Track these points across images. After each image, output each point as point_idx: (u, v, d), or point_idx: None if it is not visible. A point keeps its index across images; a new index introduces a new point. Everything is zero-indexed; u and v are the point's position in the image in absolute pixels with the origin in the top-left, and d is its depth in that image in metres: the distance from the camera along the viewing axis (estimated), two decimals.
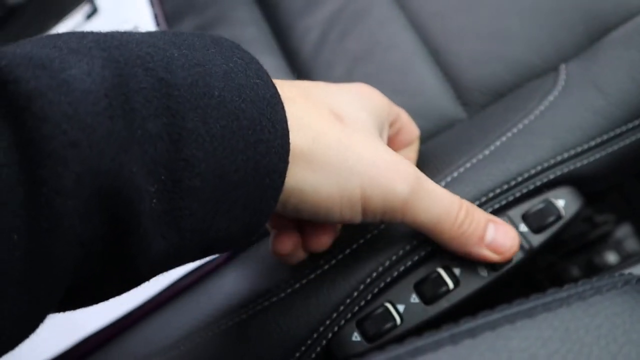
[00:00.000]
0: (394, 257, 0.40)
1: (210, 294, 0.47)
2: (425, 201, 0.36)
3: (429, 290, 0.39)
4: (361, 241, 0.41)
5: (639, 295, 0.28)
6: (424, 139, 0.49)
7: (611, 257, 0.61)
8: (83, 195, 0.26)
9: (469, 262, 0.39)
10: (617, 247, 0.61)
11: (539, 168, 0.41)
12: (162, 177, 0.28)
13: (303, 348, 0.40)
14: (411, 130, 0.44)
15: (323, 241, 0.40)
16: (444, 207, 0.37)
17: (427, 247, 0.40)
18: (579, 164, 0.42)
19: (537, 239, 0.40)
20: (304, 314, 0.40)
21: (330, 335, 0.40)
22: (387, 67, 0.53)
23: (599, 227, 0.60)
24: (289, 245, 0.40)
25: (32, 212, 0.25)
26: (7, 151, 0.24)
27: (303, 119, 0.34)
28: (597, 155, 0.42)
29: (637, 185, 0.63)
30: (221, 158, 0.30)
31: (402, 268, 0.40)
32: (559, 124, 0.42)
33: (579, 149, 0.42)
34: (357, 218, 0.36)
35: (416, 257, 0.40)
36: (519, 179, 0.41)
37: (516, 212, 0.41)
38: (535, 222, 0.40)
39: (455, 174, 0.42)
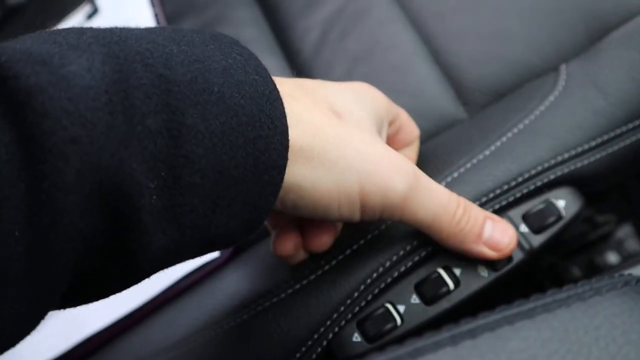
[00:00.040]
0: (394, 258, 0.40)
1: (211, 294, 0.47)
2: (423, 198, 0.36)
3: (430, 291, 0.39)
4: (361, 242, 0.41)
5: (638, 296, 0.28)
6: (424, 139, 0.49)
7: (612, 258, 0.61)
8: (84, 190, 0.26)
9: (470, 263, 0.39)
10: (618, 247, 0.61)
11: (540, 168, 0.41)
12: (162, 173, 0.28)
13: (304, 348, 0.40)
14: (411, 129, 0.44)
15: (323, 241, 0.40)
16: (442, 204, 0.37)
17: (427, 247, 0.40)
18: (579, 164, 0.42)
19: (537, 240, 0.40)
20: (304, 315, 0.40)
21: (330, 335, 0.40)
22: (387, 67, 0.53)
23: (599, 228, 0.60)
24: (290, 246, 0.40)
25: (33, 208, 0.25)
26: (9, 147, 0.25)
27: (302, 115, 0.34)
28: (598, 156, 0.42)
29: (637, 185, 0.63)
30: (221, 154, 0.30)
31: (402, 268, 0.40)
32: (559, 124, 0.42)
33: (580, 149, 0.42)
34: (356, 215, 0.36)
35: (416, 258, 0.40)
36: (520, 179, 0.41)
37: (517, 212, 0.41)
38: (535, 222, 0.40)
39: (455, 174, 0.42)
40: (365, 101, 0.39)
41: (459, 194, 0.39)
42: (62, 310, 0.31)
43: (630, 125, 0.43)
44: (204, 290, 0.48)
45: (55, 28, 0.67)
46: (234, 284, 0.46)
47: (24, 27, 0.72)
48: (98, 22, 0.66)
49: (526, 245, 0.40)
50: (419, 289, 0.39)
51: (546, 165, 0.41)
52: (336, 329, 0.40)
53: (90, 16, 0.67)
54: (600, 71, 0.44)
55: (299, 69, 0.57)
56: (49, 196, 0.25)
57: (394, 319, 0.39)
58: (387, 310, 0.39)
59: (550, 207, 0.40)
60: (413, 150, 0.45)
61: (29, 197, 0.25)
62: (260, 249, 0.48)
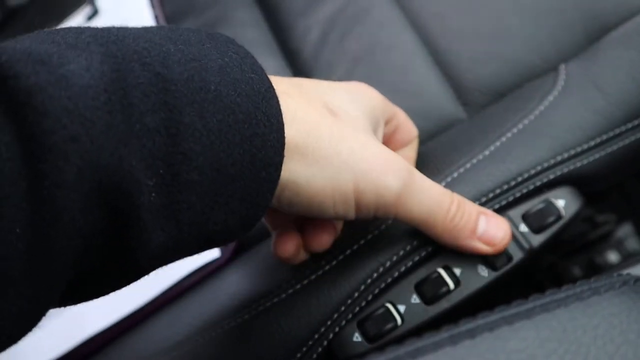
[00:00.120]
0: (394, 258, 0.40)
1: (213, 294, 0.47)
2: (417, 195, 0.36)
3: (430, 291, 0.39)
4: (362, 242, 0.41)
5: (636, 296, 0.28)
6: (424, 139, 0.49)
7: (612, 257, 0.61)
8: (83, 188, 0.26)
9: (470, 262, 0.39)
10: (619, 246, 0.61)
11: (539, 168, 0.41)
12: (161, 171, 0.28)
13: (304, 348, 0.40)
14: (409, 129, 0.44)
15: (323, 241, 0.40)
16: (436, 200, 0.37)
17: (427, 247, 0.40)
18: (578, 164, 0.42)
19: (537, 239, 0.40)
20: (305, 315, 0.40)
21: (331, 335, 0.40)
22: (387, 67, 0.53)
23: (599, 227, 0.60)
24: (290, 247, 0.40)
25: (34, 206, 0.25)
26: (9, 146, 0.25)
27: (297, 112, 0.35)
28: (597, 155, 0.42)
29: (637, 184, 0.63)
30: (218, 152, 0.30)
31: (402, 268, 0.40)
32: (558, 124, 0.43)
33: (579, 149, 0.42)
34: (351, 213, 0.36)
35: (417, 258, 0.40)
36: (519, 179, 0.41)
37: (516, 212, 0.41)
38: (535, 222, 0.40)
39: (455, 175, 0.42)
40: (361, 100, 0.39)
41: (459, 193, 0.39)
42: (64, 309, 0.31)
43: (630, 125, 0.43)
44: (205, 291, 0.48)
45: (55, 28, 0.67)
46: (234, 284, 0.46)
47: (25, 28, 0.72)
48: (98, 23, 0.66)
49: (526, 245, 0.40)
50: (419, 288, 0.39)
51: (546, 165, 0.41)
52: (337, 329, 0.40)
53: (90, 17, 0.67)
54: (600, 71, 0.44)
55: (299, 69, 0.57)
56: (50, 194, 0.25)
57: (395, 319, 0.39)
58: (388, 310, 0.39)
59: (550, 206, 0.40)
60: (412, 150, 0.45)
61: (29, 196, 0.25)
62: (261, 249, 0.48)
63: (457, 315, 0.33)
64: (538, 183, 0.41)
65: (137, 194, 0.27)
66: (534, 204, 0.41)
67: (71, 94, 0.26)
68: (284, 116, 0.33)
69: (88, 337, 0.51)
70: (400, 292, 0.40)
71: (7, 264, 0.25)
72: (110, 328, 0.50)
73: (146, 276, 0.32)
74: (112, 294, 0.32)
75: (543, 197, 0.41)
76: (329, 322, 0.40)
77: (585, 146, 0.42)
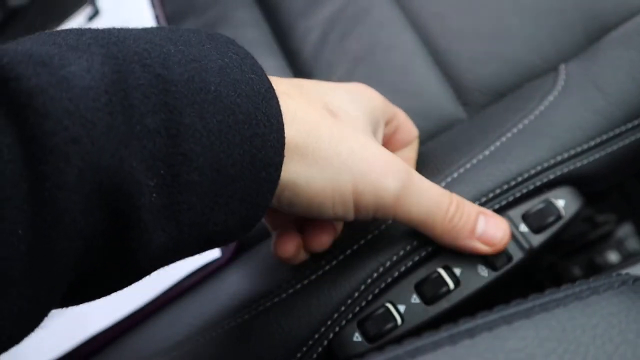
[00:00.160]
0: (394, 258, 0.40)
1: (213, 294, 0.47)
2: (416, 197, 0.36)
3: (430, 291, 0.39)
4: (362, 242, 0.41)
5: (635, 295, 0.28)
6: (425, 139, 0.49)
7: (612, 257, 0.61)
8: (84, 190, 0.26)
9: (470, 262, 0.39)
10: (619, 246, 0.61)
11: (539, 168, 0.41)
12: (161, 172, 0.28)
13: (304, 348, 0.40)
14: (409, 129, 0.44)
15: (323, 240, 0.40)
16: (435, 201, 0.37)
17: (427, 247, 0.40)
18: (578, 164, 0.42)
19: (537, 239, 0.40)
20: (305, 315, 0.41)
21: (331, 335, 0.40)
22: (387, 67, 0.53)
23: (600, 227, 0.60)
24: (291, 247, 0.40)
25: (35, 207, 0.25)
26: (11, 147, 0.25)
27: (297, 113, 0.35)
28: (597, 155, 0.42)
29: (637, 184, 0.63)
30: (218, 152, 0.30)
31: (402, 268, 0.40)
32: (558, 124, 0.43)
33: (579, 149, 0.42)
34: (350, 214, 0.36)
35: (417, 258, 0.40)
36: (519, 179, 0.41)
37: (516, 212, 0.41)
38: (535, 222, 0.40)
39: (455, 175, 0.42)
40: (361, 101, 0.39)
41: (459, 194, 0.40)
42: (65, 309, 0.32)
43: (630, 125, 0.43)
44: (206, 291, 0.48)
45: (56, 29, 0.68)
46: (235, 284, 0.46)
47: (25, 29, 0.72)
48: (99, 24, 0.66)
49: (526, 245, 0.40)
50: (419, 288, 0.39)
51: (546, 165, 0.41)
52: (337, 329, 0.40)
53: (91, 18, 0.67)
54: (600, 71, 0.44)
55: (299, 69, 0.57)
56: (51, 196, 0.25)
57: (395, 319, 0.39)
58: (388, 310, 0.39)
59: (550, 206, 0.41)
60: (412, 151, 0.45)
61: (31, 197, 0.25)
62: (261, 250, 0.48)
63: (457, 315, 0.33)
64: (538, 183, 0.41)
65: (137, 195, 0.27)
66: (534, 204, 0.41)
67: (72, 96, 0.26)
68: (283, 116, 0.33)
69: (89, 336, 0.51)
70: (400, 292, 0.40)
71: (9, 264, 0.25)
72: (111, 328, 0.50)
73: (147, 276, 0.32)
74: (113, 294, 0.32)
75: (543, 197, 0.41)
76: (329, 322, 0.40)
77: (585, 146, 0.42)
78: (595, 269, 0.60)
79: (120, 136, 0.27)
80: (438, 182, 0.42)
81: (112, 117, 0.27)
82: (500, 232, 0.38)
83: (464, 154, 0.43)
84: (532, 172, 0.41)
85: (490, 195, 0.41)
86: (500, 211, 0.41)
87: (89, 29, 0.30)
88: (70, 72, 0.26)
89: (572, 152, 0.42)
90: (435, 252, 0.40)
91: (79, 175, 0.26)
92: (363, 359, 0.28)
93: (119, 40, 0.29)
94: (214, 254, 0.50)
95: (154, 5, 0.65)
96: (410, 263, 0.40)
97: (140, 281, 0.32)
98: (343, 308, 0.40)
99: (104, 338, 0.50)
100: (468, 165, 0.42)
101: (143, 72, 0.28)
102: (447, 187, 0.41)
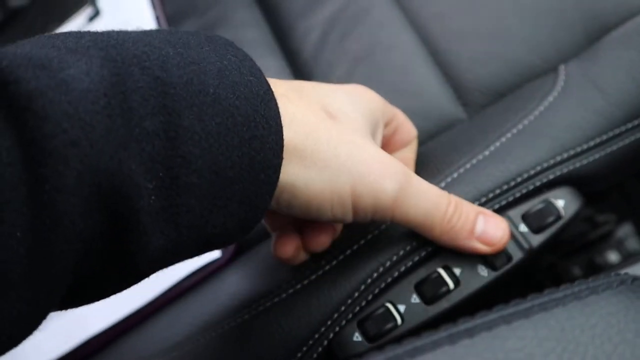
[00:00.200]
0: (394, 258, 0.40)
1: (213, 294, 0.47)
2: (414, 198, 0.36)
3: (430, 291, 0.39)
4: (362, 242, 0.41)
5: (634, 295, 0.28)
6: (424, 139, 0.49)
7: (612, 257, 0.61)
8: (83, 193, 0.26)
9: (469, 262, 0.39)
10: (619, 246, 0.61)
11: (539, 168, 0.41)
12: (160, 174, 0.28)
13: (304, 348, 0.40)
14: (408, 129, 0.44)
15: (322, 241, 0.40)
16: (433, 202, 0.37)
17: (427, 247, 0.40)
18: (578, 164, 0.42)
19: (537, 239, 0.40)
20: (305, 315, 0.41)
21: (331, 335, 0.40)
22: (387, 67, 0.53)
23: (600, 227, 0.60)
24: (290, 248, 0.40)
25: (34, 210, 0.25)
26: (10, 150, 0.25)
27: (296, 115, 0.35)
28: (597, 156, 0.42)
29: (637, 184, 0.63)
30: (217, 154, 0.30)
31: (402, 268, 0.40)
32: (558, 124, 0.43)
33: (579, 149, 0.42)
34: (349, 216, 0.36)
35: (416, 258, 0.40)
36: (519, 179, 0.41)
37: (516, 212, 0.41)
38: (535, 222, 0.40)
39: (455, 175, 0.42)
40: (360, 103, 0.39)
41: (459, 194, 0.40)
42: (64, 311, 0.32)
43: (630, 125, 0.43)
44: (206, 291, 0.48)
45: (56, 30, 0.68)
46: (235, 285, 0.46)
47: (26, 29, 0.72)
48: (99, 24, 0.66)
49: (525, 245, 0.40)
50: (419, 288, 0.39)
51: (545, 165, 0.41)
52: (337, 329, 0.40)
53: (91, 18, 0.67)
54: (600, 71, 0.44)
55: (299, 69, 0.57)
56: (50, 199, 0.25)
57: (395, 319, 0.39)
58: (388, 310, 0.39)
59: (550, 206, 0.41)
60: (411, 151, 0.45)
61: (30, 200, 0.25)
62: (261, 250, 0.48)
63: (457, 315, 0.33)
64: (538, 183, 0.41)
65: (136, 198, 0.27)
66: (534, 204, 0.41)
67: (71, 98, 0.26)
68: (282, 118, 0.33)
69: (89, 337, 0.51)
70: (400, 292, 0.40)
71: (8, 267, 0.25)
72: (111, 328, 0.50)
73: (146, 279, 0.32)
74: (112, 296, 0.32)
75: (543, 197, 0.41)
76: (329, 322, 0.40)
77: (585, 146, 0.42)
78: (595, 269, 0.60)
79: (119, 139, 0.27)
80: (438, 182, 0.42)
81: (111, 120, 0.27)
82: (500, 231, 0.38)
83: (463, 154, 0.43)
84: (532, 172, 0.41)
85: (490, 195, 0.41)
86: (500, 211, 0.41)
87: (89, 32, 0.30)
88: (70, 75, 0.26)
89: (572, 152, 0.42)
90: (435, 252, 0.40)
91: (78, 177, 0.26)
92: (362, 358, 0.28)
93: (118, 43, 0.29)
94: (214, 254, 0.50)
95: (154, 6, 0.65)
96: (410, 263, 0.40)
97: (141, 282, 0.32)
98: (343, 308, 0.40)
99: (104, 339, 0.50)
100: (468, 166, 0.42)
101: (142, 75, 0.28)
102: (447, 187, 0.41)
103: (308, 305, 0.41)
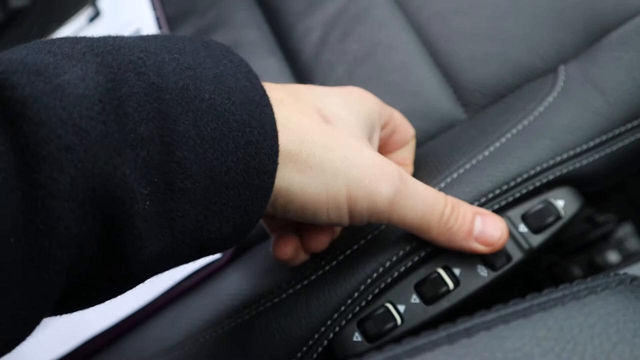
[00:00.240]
0: (394, 258, 0.40)
1: (213, 295, 0.47)
2: (410, 200, 0.36)
3: (429, 291, 0.39)
4: (362, 242, 0.41)
5: (632, 295, 0.28)
6: (424, 139, 0.50)
7: (613, 257, 0.61)
8: (78, 198, 0.26)
9: (469, 263, 0.39)
10: (619, 246, 0.61)
11: (539, 169, 0.41)
12: (155, 179, 0.28)
13: (305, 348, 0.40)
14: (406, 130, 0.44)
15: (321, 241, 0.40)
16: (429, 204, 0.37)
17: (427, 247, 0.40)
18: (578, 165, 0.42)
19: (536, 239, 0.40)
20: (305, 315, 0.41)
21: (331, 335, 0.40)
22: (387, 68, 0.53)
23: (600, 227, 0.60)
24: (289, 249, 0.40)
25: (29, 215, 0.25)
26: (4, 156, 0.25)
27: (291, 120, 0.35)
28: (597, 156, 0.42)
29: (637, 184, 0.63)
30: (212, 160, 0.30)
31: (402, 268, 0.40)
32: (558, 125, 0.43)
33: (578, 150, 0.42)
34: (345, 220, 0.36)
35: (416, 258, 0.40)
36: (519, 179, 0.41)
37: (516, 212, 0.41)
38: (534, 222, 0.40)
39: (455, 175, 0.42)
40: (355, 106, 0.39)
41: (459, 194, 0.40)
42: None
43: (629, 126, 0.43)
44: (206, 291, 0.48)
45: (57, 31, 0.68)
46: (235, 285, 0.46)
47: (26, 30, 0.72)
48: (100, 26, 0.66)
49: (525, 245, 0.40)
50: (419, 288, 0.39)
51: (545, 165, 0.41)
52: (337, 329, 0.40)
53: (92, 19, 0.67)
54: (600, 71, 0.44)
55: (300, 70, 0.57)
56: (44, 204, 0.25)
57: (394, 319, 0.39)
58: (388, 310, 0.39)
59: (549, 207, 0.41)
60: (409, 151, 0.45)
61: (24, 205, 0.25)
62: (261, 250, 0.48)
63: (456, 315, 0.33)
64: (537, 183, 0.41)
65: (131, 203, 0.27)
66: (534, 205, 0.41)
67: (66, 104, 0.26)
68: (277, 123, 0.33)
69: (89, 337, 0.51)
70: (400, 292, 0.40)
71: (3, 271, 0.25)
72: (111, 328, 0.50)
73: (141, 284, 0.32)
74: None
75: (542, 197, 0.41)
76: (329, 322, 0.40)
77: (584, 147, 0.42)
78: (595, 269, 0.60)
79: (113, 144, 0.27)
80: (438, 183, 0.42)
81: (105, 126, 0.27)
82: (498, 231, 0.38)
83: (463, 155, 0.43)
84: (532, 172, 0.41)
85: (490, 195, 0.41)
86: (499, 211, 0.41)
87: (85, 38, 0.30)
88: (65, 80, 0.26)
89: (572, 152, 0.42)
90: (435, 253, 0.40)
91: (72, 183, 0.26)
92: (362, 358, 0.28)
93: (113, 48, 0.29)
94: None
95: (154, 7, 0.65)
96: (410, 263, 0.40)
97: (136, 287, 0.32)
98: (343, 308, 0.40)
99: (104, 339, 0.50)
100: (468, 166, 0.42)
101: (137, 81, 0.28)
102: (447, 187, 0.41)
103: (308, 305, 0.41)
